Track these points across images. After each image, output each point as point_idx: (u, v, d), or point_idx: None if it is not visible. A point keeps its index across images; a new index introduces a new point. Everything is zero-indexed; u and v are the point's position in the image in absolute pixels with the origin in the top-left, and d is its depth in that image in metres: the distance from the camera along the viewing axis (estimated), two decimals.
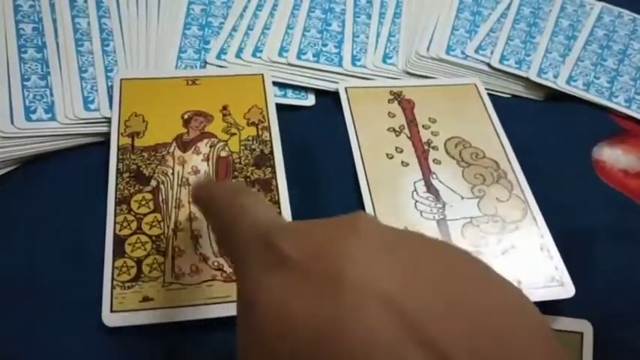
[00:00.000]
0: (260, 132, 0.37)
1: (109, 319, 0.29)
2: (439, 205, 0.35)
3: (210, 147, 0.36)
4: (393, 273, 0.17)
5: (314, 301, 0.17)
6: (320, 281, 0.17)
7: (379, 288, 0.16)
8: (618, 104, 0.44)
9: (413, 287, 0.17)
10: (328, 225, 0.20)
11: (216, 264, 0.32)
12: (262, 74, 0.41)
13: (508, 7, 0.49)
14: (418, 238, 0.20)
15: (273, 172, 0.36)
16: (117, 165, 0.35)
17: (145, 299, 0.30)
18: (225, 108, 0.38)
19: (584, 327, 0.32)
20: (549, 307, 0.32)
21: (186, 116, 0.38)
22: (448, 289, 0.17)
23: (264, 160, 0.36)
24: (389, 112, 0.40)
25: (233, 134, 0.37)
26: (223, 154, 0.36)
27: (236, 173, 0.36)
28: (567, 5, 0.50)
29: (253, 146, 0.37)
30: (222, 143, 0.37)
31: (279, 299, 0.18)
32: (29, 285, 0.31)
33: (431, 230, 0.34)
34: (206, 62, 0.42)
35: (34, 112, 0.36)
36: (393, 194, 0.36)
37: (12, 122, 0.36)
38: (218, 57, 0.42)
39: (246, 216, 0.21)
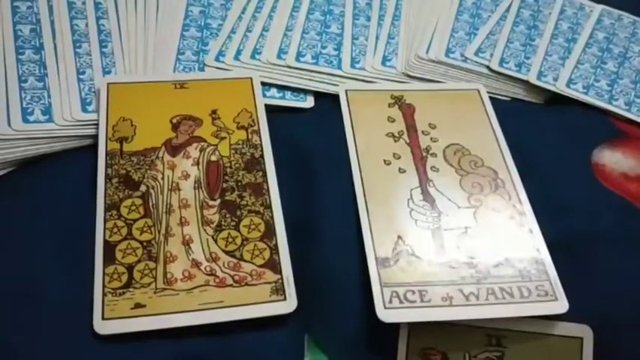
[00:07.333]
0: (250, 135, 0.37)
1: (101, 326, 0.29)
2: (434, 214, 0.35)
3: (200, 151, 0.36)
4: None
5: None
6: None
7: None
8: (618, 107, 0.44)
9: None
10: None
11: (208, 269, 0.32)
12: (251, 77, 0.41)
13: (508, 10, 0.49)
14: None
15: (264, 175, 0.36)
16: (105, 170, 0.35)
17: (137, 306, 0.30)
18: (214, 112, 0.38)
19: (584, 332, 0.31)
20: None
21: (174, 120, 0.37)
22: None
23: (255, 163, 0.36)
24: (389, 117, 0.40)
25: (223, 138, 0.37)
26: (213, 158, 0.36)
27: (227, 177, 0.35)
28: (567, 8, 0.50)
29: (244, 150, 0.37)
30: (212, 147, 0.37)
31: None
32: (21, 291, 0.31)
33: (425, 239, 0.34)
34: (204, 64, 0.42)
35: (32, 113, 0.36)
36: (389, 201, 0.35)
37: (9, 124, 0.35)
38: (216, 59, 0.42)
39: None
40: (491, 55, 0.45)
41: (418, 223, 0.35)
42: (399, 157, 0.38)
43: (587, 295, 0.33)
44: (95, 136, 0.37)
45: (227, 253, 0.32)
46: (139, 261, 0.32)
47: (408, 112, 0.41)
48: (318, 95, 0.42)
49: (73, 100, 0.37)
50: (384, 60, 0.44)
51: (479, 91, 0.43)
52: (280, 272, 0.32)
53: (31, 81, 0.38)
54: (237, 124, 0.38)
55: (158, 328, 0.29)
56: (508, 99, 0.44)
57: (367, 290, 0.31)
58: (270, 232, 0.33)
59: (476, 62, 0.45)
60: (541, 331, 0.32)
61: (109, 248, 0.32)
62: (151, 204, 0.34)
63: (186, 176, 0.35)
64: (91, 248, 0.32)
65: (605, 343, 0.31)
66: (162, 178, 0.35)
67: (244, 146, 0.37)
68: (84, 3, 0.43)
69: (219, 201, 0.34)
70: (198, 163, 0.36)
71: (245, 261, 0.32)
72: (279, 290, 0.31)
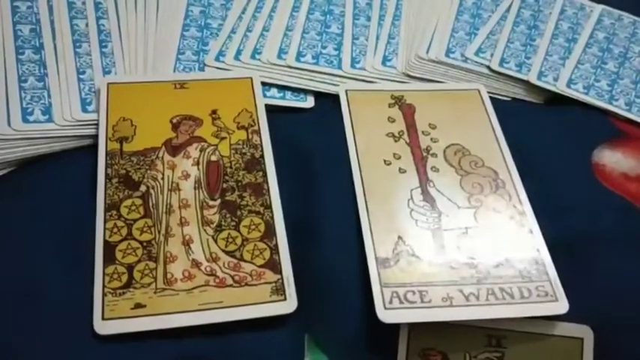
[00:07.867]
0: (250, 136, 0.37)
1: (101, 326, 0.29)
2: (435, 215, 0.35)
3: (200, 151, 0.36)
4: None
5: None
6: None
7: None
8: (618, 107, 0.44)
9: None
10: None
11: (208, 269, 0.32)
12: (251, 77, 0.41)
13: (508, 10, 0.49)
14: None
15: (265, 175, 0.36)
16: (105, 170, 0.35)
17: (137, 306, 0.30)
18: (214, 112, 0.38)
19: (585, 332, 0.31)
20: None
21: (175, 120, 0.37)
22: None
23: (255, 163, 0.36)
24: (389, 117, 0.40)
25: (223, 138, 0.37)
26: (213, 158, 0.36)
27: (227, 177, 0.35)
28: (567, 8, 0.50)
29: (244, 150, 0.37)
30: (212, 147, 0.37)
31: None
32: (21, 291, 0.31)
33: (425, 240, 0.34)
34: (205, 64, 0.42)
35: (32, 113, 0.36)
36: (389, 202, 0.35)
37: (9, 124, 0.35)
38: (217, 59, 0.42)
39: None
40: (492, 55, 0.45)
41: (418, 224, 0.35)
42: (399, 157, 0.38)
43: (587, 296, 0.33)
44: (95, 136, 0.37)
45: (227, 253, 0.32)
46: (139, 261, 0.32)
47: (408, 112, 0.41)
48: (318, 95, 0.42)
49: (73, 100, 0.37)
50: (385, 60, 0.44)
51: (479, 91, 0.43)
52: (280, 272, 0.32)
53: (31, 81, 0.38)
54: (238, 124, 0.38)
55: (158, 328, 0.29)
56: (508, 99, 0.44)
57: (367, 290, 0.31)
58: (270, 232, 0.33)
59: (476, 62, 0.45)
60: (541, 332, 0.31)
61: (109, 248, 0.32)
62: (151, 204, 0.34)
63: (187, 176, 0.35)
64: (91, 248, 0.32)
65: (605, 343, 0.31)
66: (163, 178, 0.35)
67: (244, 146, 0.37)
68: (84, 3, 0.43)
69: (219, 201, 0.34)
70: (198, 163, 0.36)
71: (245, 261, 0.32)
72: (279, 290, 0.31)
